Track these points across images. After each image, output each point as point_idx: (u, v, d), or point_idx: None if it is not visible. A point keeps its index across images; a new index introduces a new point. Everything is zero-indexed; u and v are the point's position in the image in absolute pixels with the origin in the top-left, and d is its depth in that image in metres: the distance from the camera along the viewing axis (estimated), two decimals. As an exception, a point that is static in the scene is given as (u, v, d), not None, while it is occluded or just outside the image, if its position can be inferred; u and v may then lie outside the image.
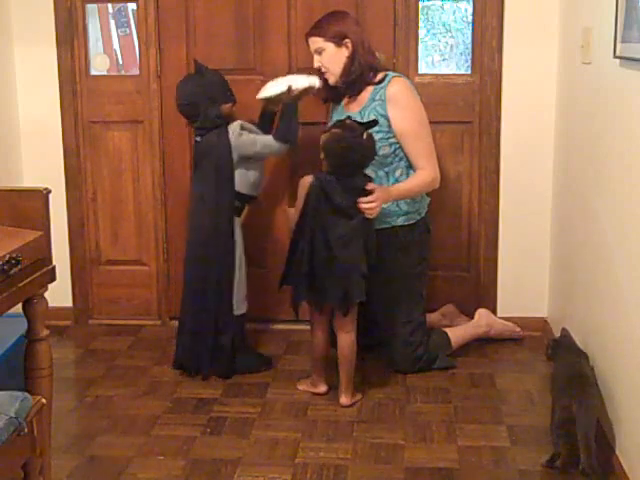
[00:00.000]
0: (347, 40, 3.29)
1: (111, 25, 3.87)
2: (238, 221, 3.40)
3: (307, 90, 3.34)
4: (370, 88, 3.31)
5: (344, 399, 3.15)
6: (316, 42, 3.30)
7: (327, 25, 3.30)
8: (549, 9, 3.61)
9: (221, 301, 3.35)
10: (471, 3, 3.68)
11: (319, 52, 3.30)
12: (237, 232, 3.38)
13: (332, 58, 3.29)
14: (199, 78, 3.35)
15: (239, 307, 3.38)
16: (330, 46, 3.28)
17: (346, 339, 3.16)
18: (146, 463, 2.78)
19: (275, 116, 3.42)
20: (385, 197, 3.14)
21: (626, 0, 2.51)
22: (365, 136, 3.06)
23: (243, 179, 3.34)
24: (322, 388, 3.24)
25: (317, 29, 3.31)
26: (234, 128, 3.31)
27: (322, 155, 3.10)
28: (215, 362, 3.38)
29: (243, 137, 3.30)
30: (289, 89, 3.29)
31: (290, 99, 3.31)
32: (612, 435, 2.68)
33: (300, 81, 3.33)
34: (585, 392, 2.62)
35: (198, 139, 3.36)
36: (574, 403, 2.57)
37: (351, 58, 3.29)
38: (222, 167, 3.31)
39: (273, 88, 3.34)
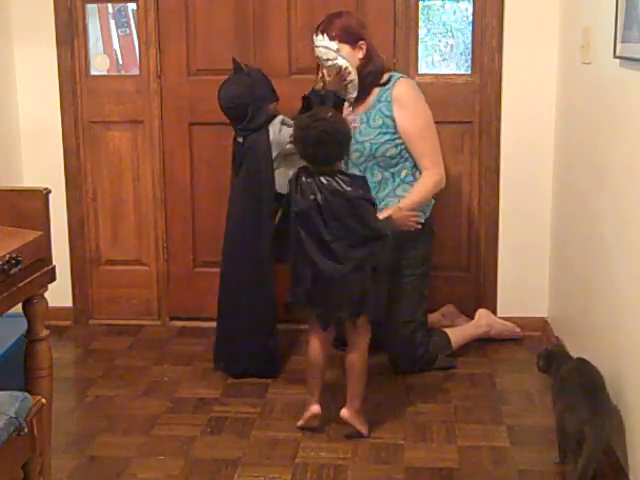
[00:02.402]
0: (362, 42, 3.26)
1: (111, 25, 3.87)
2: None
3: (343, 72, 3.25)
4: (376, 90, 3.29)
5: (345, 411, 2.88)
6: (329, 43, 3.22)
7: (340, 25, 3.23)
8: (549, 9, 3.61)
9: (263, 302, 3.34)
10: (471, 3, 3.68)
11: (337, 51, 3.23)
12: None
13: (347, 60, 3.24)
14: (245, 78, 3.30)
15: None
16: (346, 47, 3.25)
17: (357, 357, 2.90)
18: (146, 463, 2.78)
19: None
20: (399, 216, 3.07)
21: (626, 0, 2.51)
22: (329, 115, 2.84)
23: (283, 179, 3.28)
24: (313, 408, 2.91)
25: (330, 29, 3.22)
26: (275, 124, 3.28)
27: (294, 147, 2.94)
28: (260, 362, 3.37)
29: (283, 131, 3.27)
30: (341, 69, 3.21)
31: (334, 85, 3.24)
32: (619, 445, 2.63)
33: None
34: (597, 413, 2.47)
35: (240, 140, 3.32)
36: (586, 425, 2.44)
37: (365, 60, 3.27)
38: (263, 168, 3.27)
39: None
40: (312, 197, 2.80)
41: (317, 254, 2.81)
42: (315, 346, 2.93)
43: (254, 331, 3.36)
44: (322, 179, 2.82)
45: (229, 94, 3.31)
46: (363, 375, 2.92)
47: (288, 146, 3.21)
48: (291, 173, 3.25)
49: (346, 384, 2.94)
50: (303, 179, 2.85)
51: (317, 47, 3.25)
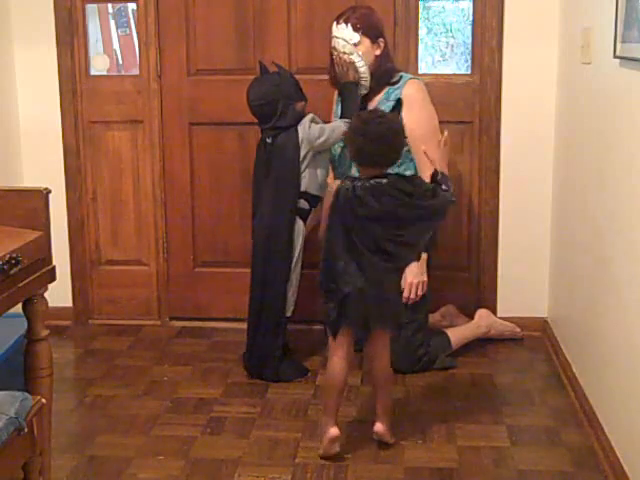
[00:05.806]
0: (381, 39, 3.27)
1: (111, 25, 3.87)
2: (302, 225, 3.31)
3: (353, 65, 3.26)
4: (384, 88, 3.30)
5: (380, 426, 2.81)
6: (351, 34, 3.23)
7: (365, 18, 3.24)
8: (549, 9, 3.61)
9: (274, 303, 3.32)
10: (471, 3, 3.68)
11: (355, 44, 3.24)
12: (300, 235, 3.31)
13: (364, 55, 3.25)
14: (274, 77, 3.30)
15: (287, 310, 3.36)
16: (366, 41, 3.25)
17: (385, 370, 2.84)
18: (146, 463, 2.78)
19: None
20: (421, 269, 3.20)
21: (626, 0, 2.51)
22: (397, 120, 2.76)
23: (312, 179, 3.29)
24: (332, 431, 2.74)
25: (354, 20, 3.22)
26: (305, 122, 3.27)
27: (348, 144, 2.76)
28: (264, 364, 3.35)
29: (312, 128, 3.26)
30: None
31: (348, 77, 3.25)
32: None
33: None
34: None
35: (269, 140, 3.30)
36: None
37: (381, 58, 3.27)
38: (290, 169, 3.26)
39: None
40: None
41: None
42: (340, 366, 2.76)
43: (272, 332, 3.34)
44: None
45: (258, 92, 3.30)
46: (392, 387, 2.86)
47: (318, 142, 3.23)
48: (320, 172, 3.28)
49: (376, 397, 2.86)
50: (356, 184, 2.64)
51: (337, 38, 3.25)
